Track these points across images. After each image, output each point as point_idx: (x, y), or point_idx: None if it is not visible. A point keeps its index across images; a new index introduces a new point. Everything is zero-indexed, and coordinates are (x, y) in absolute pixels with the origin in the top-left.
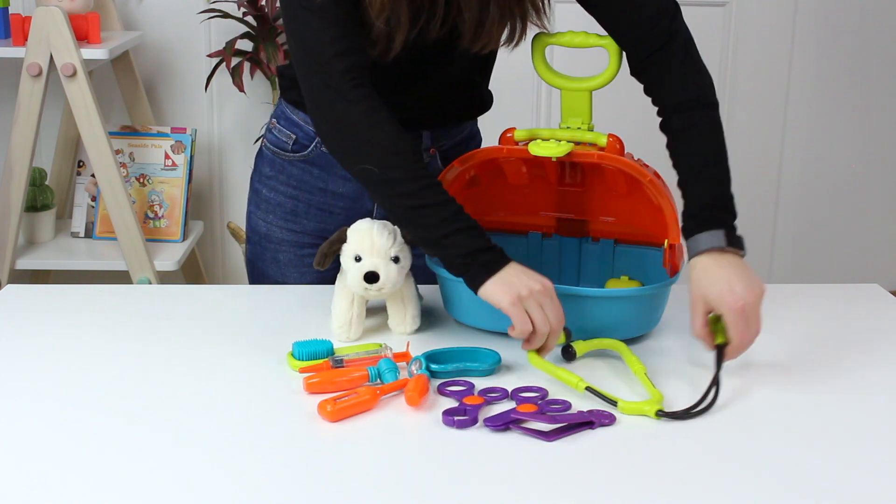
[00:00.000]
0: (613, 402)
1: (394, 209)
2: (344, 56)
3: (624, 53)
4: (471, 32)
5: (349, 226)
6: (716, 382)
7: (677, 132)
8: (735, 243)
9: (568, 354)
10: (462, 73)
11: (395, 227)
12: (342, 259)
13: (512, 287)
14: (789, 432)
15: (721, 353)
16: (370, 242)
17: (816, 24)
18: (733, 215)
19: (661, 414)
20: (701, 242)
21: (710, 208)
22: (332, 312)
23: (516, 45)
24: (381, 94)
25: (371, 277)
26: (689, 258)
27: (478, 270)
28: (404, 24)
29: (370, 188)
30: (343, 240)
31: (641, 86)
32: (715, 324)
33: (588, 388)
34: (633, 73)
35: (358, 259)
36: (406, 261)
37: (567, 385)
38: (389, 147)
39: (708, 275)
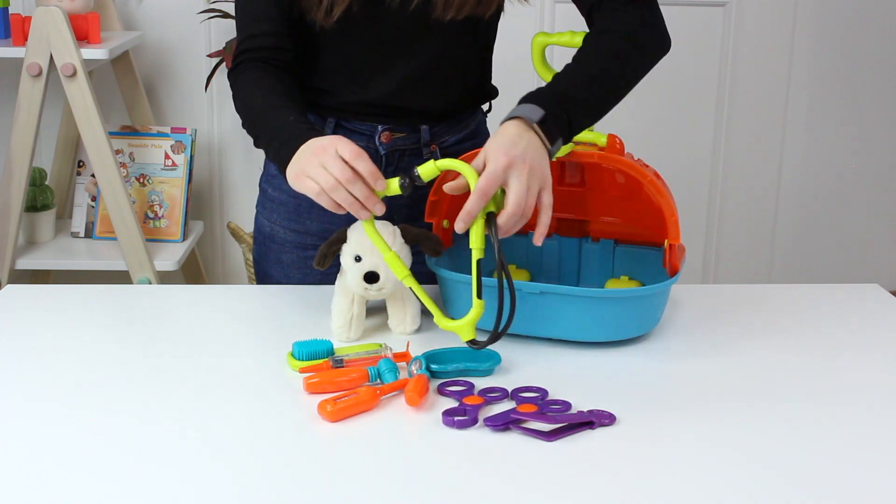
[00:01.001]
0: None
1: (259, 138)
2: (254, 38)
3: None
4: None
5: (349, 226)
6: (503, 267)
7: (581, 50)
8: (548, 130)
9: (476, 344)
10: (447, 48)
11: (395, 227)
12: (342, 259)
13: (296, 165)
14: (789, 432)
15: (492, 224)
16: (370, 242)
17: (816, 24)
18: (565, 111)
19: (472, 343)
20: (516, 110)
21: (550, 94)
22: (332, 312)
23: (494, 13)
24: (369, 75)
25: (371, 277)
26: (500, 124)
27: (279, 160)
28: None
29: (262, 147)
30: (343, 240)
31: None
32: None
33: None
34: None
35: (358, 259)
36: (406, 261)
37: (393, 270)
38: (261, 102)
39: (499, 135)
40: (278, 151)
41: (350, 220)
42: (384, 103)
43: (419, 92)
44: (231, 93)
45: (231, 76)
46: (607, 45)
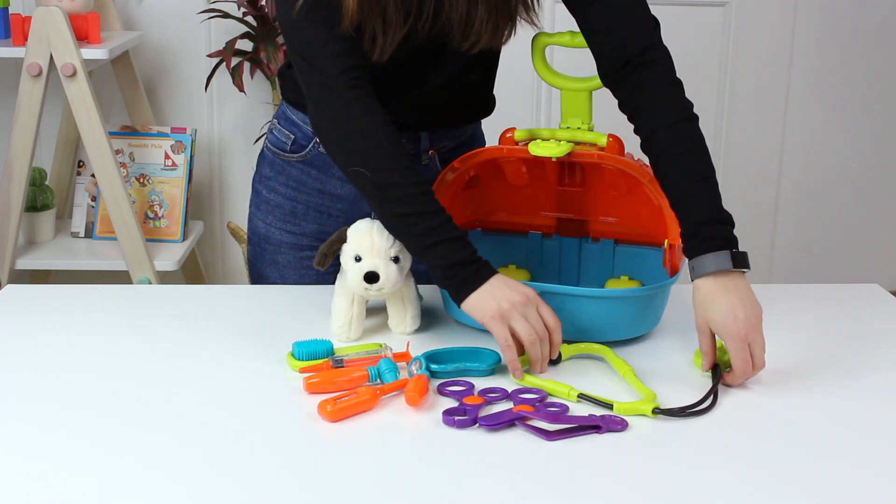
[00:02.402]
0: (609, 406)
1: (383, 213)
2: (340, 57)
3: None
4: (459, 31)
5: (349, 226)
6: (713, 392)
7: (665, 147)
8: (739, 262)
9: (553, 360)
10: (458, 74)
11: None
12: (342, 259)
13: (493, 300)
14: (789, 433)
15: (718, 371)
16: (370, 242)
17: (816, 24)
18: (732, 227)
19: (658, 412)
20: (707, 265)
21: (711, 224)
22: (331, 312)
23: (506, 41)
24: (378, 99)
25: (371, 277)
26: (693, 279)
27: (461, 283)
28: (396, 22)
29: (362, 190)
30: (343, 240)
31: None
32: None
33: (581, 395)
34: (606, 82)
35: (358, 259)
36: (406, 261)
37: (559, 396)
38: (382, 152)
39: (712, 301)
40: (459, 267)
41: (348, 223)
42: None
43: (426, 111)
44: (322, 113)
45: (337, 101)
46: (687, 138)
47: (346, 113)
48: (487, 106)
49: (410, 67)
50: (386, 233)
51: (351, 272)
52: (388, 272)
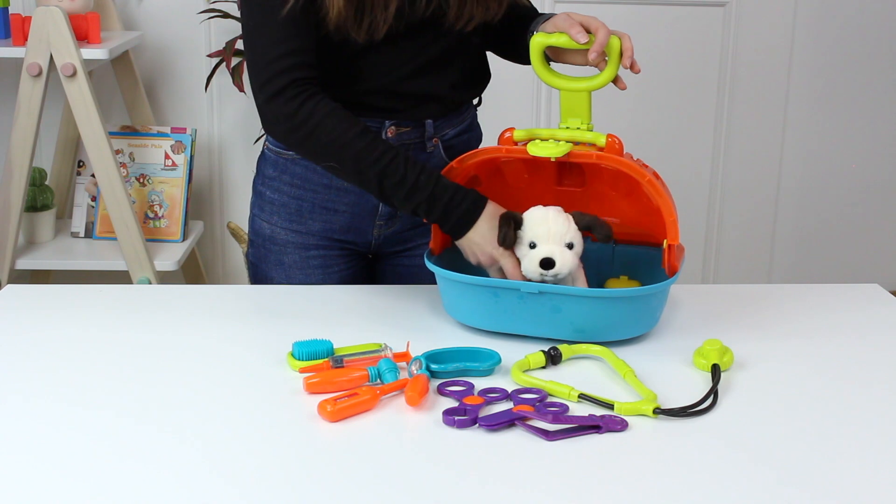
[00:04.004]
0: (610, 406)
1: (371, 189)
2: (288, 56)
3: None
4: (455, 10)
5: (522, 212)
6: (713, 392)
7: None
8: None
9: (553, 358)
10: (454, 47)
11: (569, 214)
12: (516, 246)
13: (472, 254)
14: (789, 433)
15: (717, 371)
16: (546, 229)
17: (816, 24)
18: None
19: (659, 412)
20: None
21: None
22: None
23: (499, 15)
24: (376, 70)
25: (547, 263)
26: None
27: (453, 225)
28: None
29: (346, 180)
30: (519, 221)
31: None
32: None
33: (582, 396)
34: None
35: (533, 246)
36: (579, 246)
37: (559, 396)
38: (340, 142)
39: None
40: (449, 218)
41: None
42: (387, 90)
43: (423, 80)
44: (291, 117)
45: (293, 95)
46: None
47: (298, 113)
48: (483, 74)
49: (404, 42)
50: (561, 219)
51: (527, 258)
52: (563, 258)
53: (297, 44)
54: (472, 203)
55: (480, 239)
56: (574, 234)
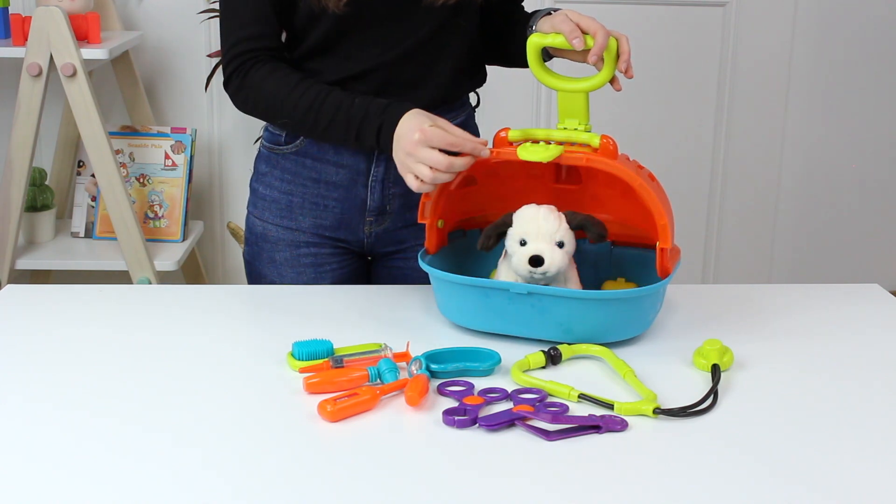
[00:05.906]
0: (610, 406)
1: (321, 135)
2: (244, 41)
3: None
4: None
5: (513, 211)
6: (714, 392)
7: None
8: None
9: (553, 358)
10: (436, 28)
11: (561, 213)
12: (507, 242)
13: (396, 155)
14: (789, 432)
15: (717, 371)
16: (536, 227)
17: (816, 24)
18: None
19: (659, 412)
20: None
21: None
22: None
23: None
24: (361, 51)
25: (536, 261)
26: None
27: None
28: None
29: (300, 132)
30: (508, 223)
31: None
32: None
33: (582, 396)
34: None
35: (523, 243)
36: (570, 245)
37: (559, 396)
38: (280, 97)
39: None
40: (378, 136)
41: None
42: (376, 75)
43: (410, 65)
44: (237, 93)
45: (235, 76)
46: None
47: (256, 82)
48: (477, 72)
49: (387, 21)
50: (552, 217)
51: (516, 256)
52: (552, 256)
53: (254, 29)
54: (396, 107)
55: (404, 130)
56: (565, 233)
